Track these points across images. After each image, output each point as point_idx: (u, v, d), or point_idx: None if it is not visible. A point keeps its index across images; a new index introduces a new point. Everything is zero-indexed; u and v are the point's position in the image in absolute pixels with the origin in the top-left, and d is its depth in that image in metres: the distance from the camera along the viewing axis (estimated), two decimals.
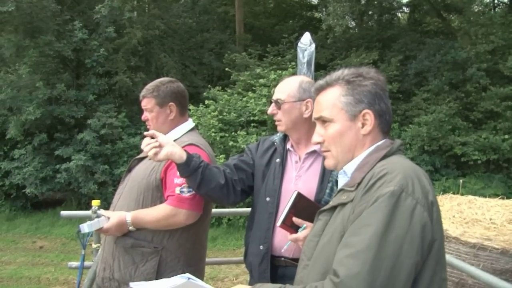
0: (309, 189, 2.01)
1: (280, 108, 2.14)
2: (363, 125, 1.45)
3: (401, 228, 1.21)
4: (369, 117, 1.44)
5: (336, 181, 2.04)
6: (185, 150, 2.02)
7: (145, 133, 2.07)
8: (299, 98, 2.12)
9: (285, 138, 2.25)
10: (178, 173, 2.11)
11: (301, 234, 1.85)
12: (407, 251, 1.21)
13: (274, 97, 2.17)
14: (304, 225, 1.85)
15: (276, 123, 2.19)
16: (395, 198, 1.23)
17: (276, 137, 2.27)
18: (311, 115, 2.04)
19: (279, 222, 1.90)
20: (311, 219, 1.81)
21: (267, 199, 2.14)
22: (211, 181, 2.05)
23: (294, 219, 1.87)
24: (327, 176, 2.07)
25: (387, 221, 1.21)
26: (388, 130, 1.49)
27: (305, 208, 1.88)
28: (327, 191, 2.05)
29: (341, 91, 1.47)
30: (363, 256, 1.19)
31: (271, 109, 2.17)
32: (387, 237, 1.20)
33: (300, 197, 1.89)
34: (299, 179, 2.13)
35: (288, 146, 2.21)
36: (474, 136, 11.72)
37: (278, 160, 2.18)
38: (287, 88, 2.15)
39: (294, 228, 1.88)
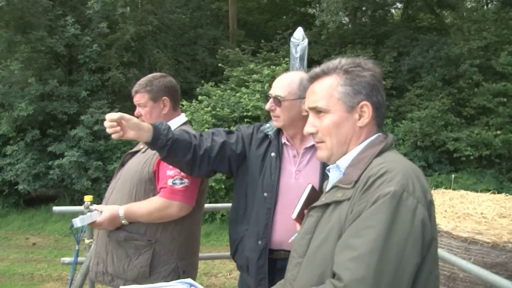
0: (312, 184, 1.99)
1: (279, 105, 2.11)
2: (360, 117, 1.39)
3: (404, 229, 1.19)
4: (367, 109, 1.39)
5: None
6: (153, 126, 1.96)
7: (108, 115, 2.03)
8: (299, 96, 2.08)
9: (279, 131, 2.22)
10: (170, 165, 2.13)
11: None
12: (410, 252, 1.19)
13: (274, 93, 2.13)
14: None
15: (273, 118, 2.15)
16: (396, 198, 1.20)
17: (269, 129, 2.22)
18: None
19: (294, 214, 1.87)
20: None
21: (265, 194, 2.12)
22: (177, 155, 2.02)
23: (305, 211, 1.89)
24: None
25: (390, 223, 1.18)
26: (382, 124, 1.45)
27: (314, 201, 1.91)
28: None
29: (338, 80, 1.40)
30: (367, 260, 1.17)
31: (269, 104, 2.13)
32: (391, 239, 1.18)
33: (313, 190, 1.88)
34: (299, 174, 2.13)
35: (284, 140, 2.19)
36: (466, 131, 11.77)
37: (273, 154, 2.15)
38: (288, 85, 2.12)
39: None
